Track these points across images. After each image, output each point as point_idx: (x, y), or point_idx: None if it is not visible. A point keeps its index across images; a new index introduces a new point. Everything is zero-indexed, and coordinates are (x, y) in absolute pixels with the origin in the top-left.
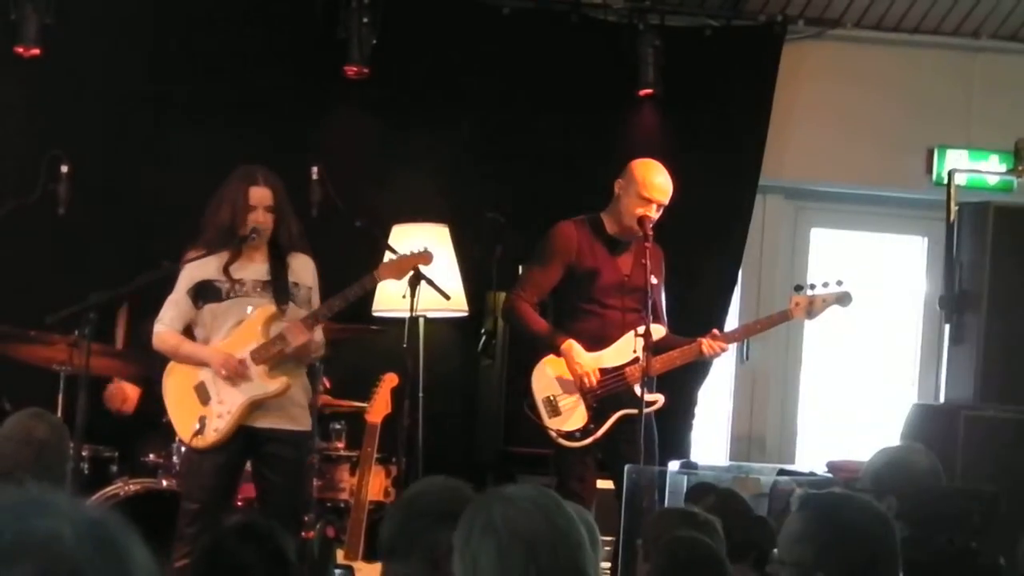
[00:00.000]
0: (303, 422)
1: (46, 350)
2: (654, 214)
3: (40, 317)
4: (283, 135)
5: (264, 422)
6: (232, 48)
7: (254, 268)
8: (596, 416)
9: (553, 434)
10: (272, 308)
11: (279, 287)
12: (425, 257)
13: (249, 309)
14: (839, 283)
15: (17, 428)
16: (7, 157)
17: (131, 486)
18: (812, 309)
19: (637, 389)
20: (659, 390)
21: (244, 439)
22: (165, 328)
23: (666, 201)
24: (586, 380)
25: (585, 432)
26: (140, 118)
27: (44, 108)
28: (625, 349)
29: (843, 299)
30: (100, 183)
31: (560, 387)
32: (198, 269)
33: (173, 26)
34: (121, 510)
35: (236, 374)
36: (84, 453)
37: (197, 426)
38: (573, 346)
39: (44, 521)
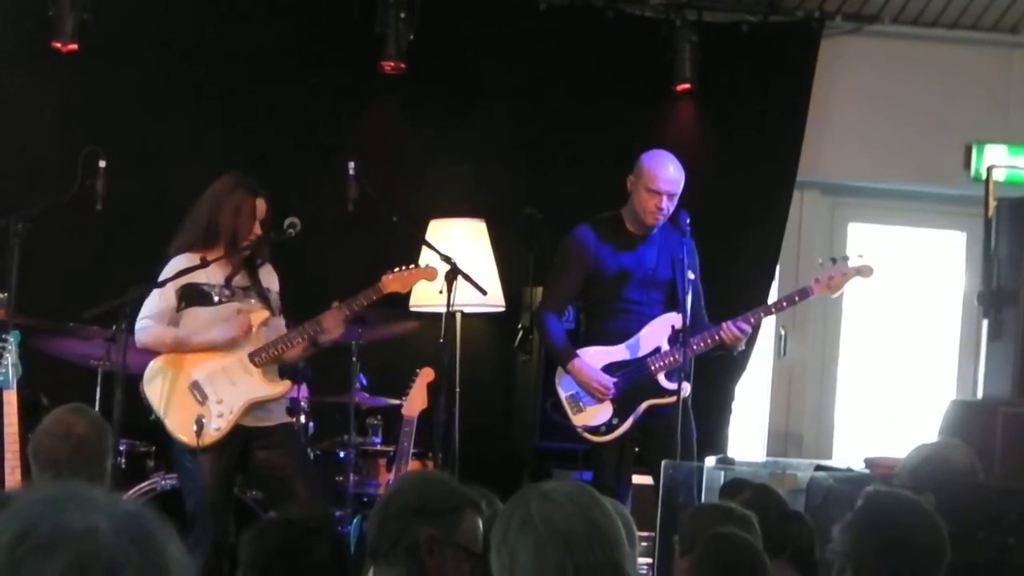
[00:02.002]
0: (285, 417)
1: (83, 345)
2: (665, 205)
3: (78, 313)
4: (320, 130)
5: (254, 421)
6: (269, 44)
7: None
8: (620, 410)
9: (579, 430)
10: (265, 313)
11: (260, 293)
12: (430, 273)
13: (239, 313)
14: (860, 256)
15: (57, 423)
16: (45, 153)
17: (167, 481)
18: (832, 283)
19: (661, 379)
20: (696, 385)
21: (241, 439)
22: (158, 323)
23: (675, 191)
24: (598, 395)
25: (609, 427)
26: (176, 114)
27: (81, 103)
28: (648, 340)
29: (863, 271)
30: (137, 179)
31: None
32: (189, 272)
33: (209, 21)
34: (157, 505)
35: (248, 332)
36: (121, 448)
37: (196, 426)
38: (576, 365)
39: (81, 513)
